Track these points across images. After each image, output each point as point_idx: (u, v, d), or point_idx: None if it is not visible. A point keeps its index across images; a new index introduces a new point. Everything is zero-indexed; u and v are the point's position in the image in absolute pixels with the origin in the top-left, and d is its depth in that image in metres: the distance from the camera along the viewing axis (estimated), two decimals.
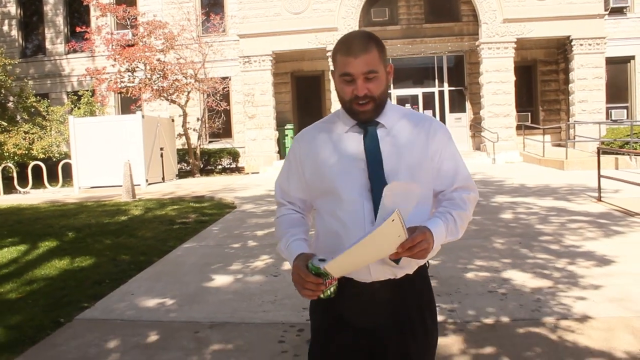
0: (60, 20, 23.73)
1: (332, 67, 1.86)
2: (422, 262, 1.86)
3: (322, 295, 1.72)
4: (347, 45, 1.78)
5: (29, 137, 17.87)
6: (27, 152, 17.51)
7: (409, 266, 1.84)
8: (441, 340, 3.72)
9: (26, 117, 18.95)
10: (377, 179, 1.76)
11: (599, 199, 9.34)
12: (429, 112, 20.86)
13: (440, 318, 4.01)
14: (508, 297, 4.66)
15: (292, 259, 1.81)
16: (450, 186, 1.92)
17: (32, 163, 17.16)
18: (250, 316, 4.52)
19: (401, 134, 1.84)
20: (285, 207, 2.01)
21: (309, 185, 1.91)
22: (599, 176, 9.47)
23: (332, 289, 1.73)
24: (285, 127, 20.54)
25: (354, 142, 1.83)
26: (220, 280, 5.62)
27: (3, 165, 17.18)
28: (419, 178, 1.81)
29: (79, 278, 5.95)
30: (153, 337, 4.17)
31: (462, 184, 1.93)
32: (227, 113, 20.76)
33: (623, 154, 14.30)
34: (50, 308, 4.93)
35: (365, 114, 1.79)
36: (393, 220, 1.55)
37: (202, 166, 19.77)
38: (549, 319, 4.10)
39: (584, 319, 4.09)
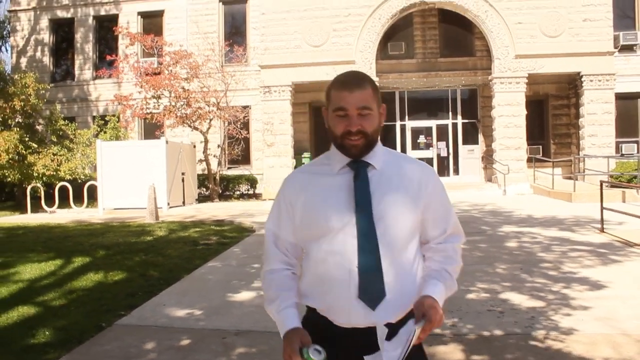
0: (89, 47, 24.81)
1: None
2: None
3: None
4: (342, 81, 1.81)
5: (57, 159, 18.67)
6: (54, 173, 18.31)
7: (406, 306, 1.81)
8: (441, 348, 4.24)
9: (54, 140, 19.78)
10: (365, 224, 1.75)
11: (602, 230, 9.77)
12: (442, 144, 21.44)
13: (440, 331, 4.53)
14: (505, 315, 5.14)
15: (283, 330, 1.80)
16: (443, 233, 1.91)
17: (59, 184, 17.94)
18: (272, 326, 4.97)
19: (392, 177, 1.83)
20: (275, 260, 1.93)
21: (298, 228, 1.86)
22: (602, 208, 9.92)
23: None
24: (303, 156, 21.18)
25: (344, 184, 1.81)
26: (243, 295, 6.16)
27: (32, 185, 17.95)
28: (406, 223, 1.81)
29: (113, 290, 6.51)
30: (185, 341, 4.71)
31: (453, 231, 1.93)
32: (247, 140, 21.48)
33: (630, 188, 14.70)
34: (91, 314, 5.49)
35: (356, 148, 1.78)
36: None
37: (220, 191, 20.41)
38: (538, 333, 4.58)
39: (570, 333, 4.57)
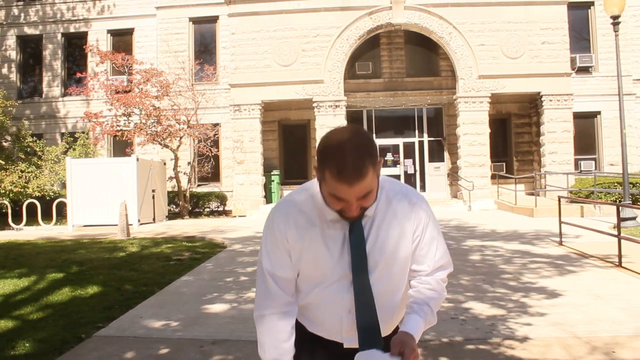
0: (58, 64, 24.73)
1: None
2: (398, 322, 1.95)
3: None
4: (340, 167, 1.63)
5: (25, 176, 18.53)
6: (22, 190, 18.14)
7: (389, 331, 1.93)
8: None
9: (22, 157, 19.64)
10: (361, 281, 1.79)
11: (560, 243, 10.27)
12: (409, 161, 21.94)
13: None
14: (467, 322, 5.48)
15: None
16: (432, 266, 1.93)
17: (27, 201, 17.80)
18: (247, 335, 5.27)
19: (383, 220, 1.84)
20: (272, 304, 1.89)
21: (295, 265, 1.87)
22: (560, 222, 10.43)
23: None
24: (272, 173, 21.42)
25: (339, 236, 1.81)
26: (218, 307, 6.37)
27: None
28: (399, 262, 1.86)
29: (90, 304, 6.65)
30: (164, 350, 4.90)
31: (442, 262, 1.96)
32: (217, 158, 21.65)
33: (587, 203, 15.35)
34: (69, 327, 5.63)
35: (354, 219, 1.77)
36: None
37: (191, 208, 20.49)
38: (497, 339, 4.92)
39: (526, 338, 4.92)
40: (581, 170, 20.64)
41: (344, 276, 1.80)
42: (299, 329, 1.94)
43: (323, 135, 1.73)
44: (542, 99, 19.84)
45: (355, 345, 1.81)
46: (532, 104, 21.53)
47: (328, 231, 1.81)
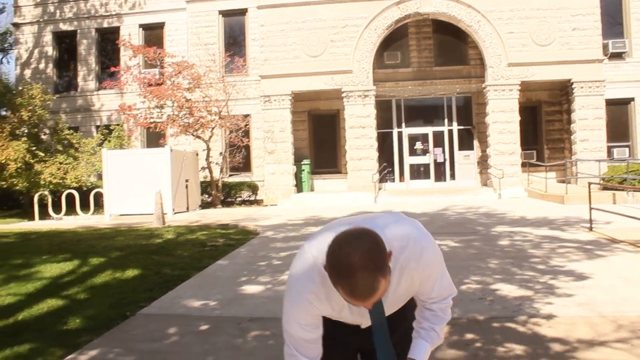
0: (92, 59, 25.36)
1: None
2: None
3: None
4: (352, 290, 1.66)
5: (63, 167, 19.14)
6: (61, 181, 18.77)
7: None
8: None
9: (60, 149, 20.26)
10: (380, 337, 1.98)
11: (590, 228, 10.28)
12: (439, 150, 21.96)
13: None
14: (494, 302, 5.63)
15: None
16: (438, 298, 2.08)
17: (66, 191, 18.42)
18: (282, 313, 5.52)
19: (400, 285, 1.95)
20: (301, 354, 1.99)
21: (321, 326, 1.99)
22: (590, 208, 10.44)
23: None
24: (302, 162, 21.68)
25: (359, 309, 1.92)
26: (254, 288, 6.64)
27: (39, 193, 18.41)
28: (407, 297, 2.07)
29: (131, 285, 6.99)
30: (204, 327, 5.19)
31: (447, 293, 2.11)
32: (247, 148, 21.98)
33: (620, 190, 15.23)
34: (114, 306, 5.96)
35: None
36: None
37: (223, 198, 20.88)
38: (522, 317, 5.08)
39: (552, 316, 5.06)
40: (614, 158, 20.39)
41: (366, 330, 2.03)
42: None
43: (331, 247, 1.69)
44: (573, 86, 19.63)
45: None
46: (562, 91, 21.32)
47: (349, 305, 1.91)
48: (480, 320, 5.04)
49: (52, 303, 6.11)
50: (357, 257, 1.62)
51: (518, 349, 4.26)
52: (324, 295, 1.87)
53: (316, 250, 1.86)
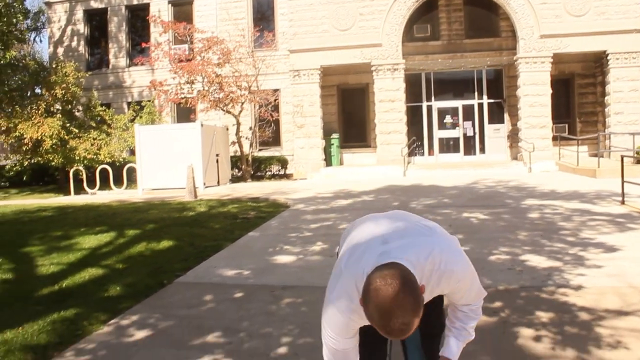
0: (122, 36, 25.66)
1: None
2: None
3: None
4: (387, 330, 1.73)
5: (97, 143, 19.55)
6: (95, 156, 19.20)
7: None
8: None
9: (93, 125, 20.66)
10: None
11: (622, 202, 10.18)
12: (468, 124, 21.78)
13: None
14: (523, 273, 5.69)
15: None
16: (466, 303, 2.20)
17: (100, 167, 18.86)
18: (314, 282, 5.68)
19: (430, 298, 2.05)
20: None
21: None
22: (622, 181, 10.33)
23: None
24: (332, 137, 21.74)
25: None
26: (285, 258, 6.81)
27: (74, 169, 18.89)
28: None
29: (166, 256, 7.22)
30: (238, 294, 5.37)
31: (478, 298, 2.21)
32: (277, 123, 22.11)
33: None
34: (151, 275, 6.19)
35: None
36: None
37: (252, 172, 21.12)
38: (551, 287, 5.13)
39: (580, 287, 5.11)
40: None
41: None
42: None
43: (366, 288, 1.75)
44: (608, 57, 19.20)
45: None
46: (597, 63, 20.87)
47: None
48: (509, 290, 5.11)
49: (92, 272, 6.37)
50: (393, 304, 1.67)
51: (545, 316, 4.34)
52: (357, 316, 1.93)
53: (353, 273, 1.91)
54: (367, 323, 1.87)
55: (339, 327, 1.98)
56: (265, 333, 4.25)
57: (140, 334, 4.32)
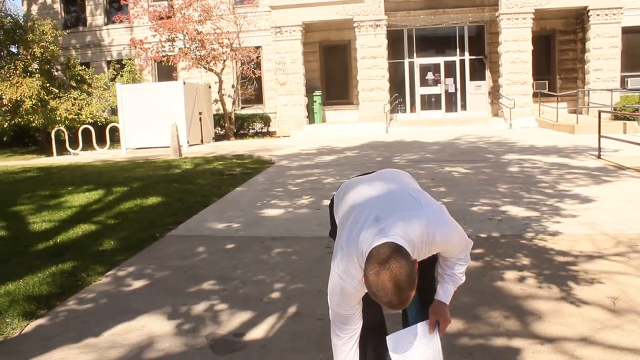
0: None
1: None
2: None
3: None
4: (387, 304, 1.88)
5: (78, 103, 19.35)
6: (76, 116, 19.02)
7: None
8: None
9: (74, 85, 20.40)
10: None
11: (599, 156, 10.50)
12: (450, 80, 21.88)
13: None
14: (503, 222, 5.95)
15: None
16: (457, 256, 2.29)
17: (82, 127, 18.73)
18: (302, 233, 5.89)
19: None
20: (346, 330, 2.23)
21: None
22: (599, 136, 10.63)
23: None
24: (314, 94, 21.73)
25: None
26: (273, 212, 7.00)
27: (55, 129, 18.74)
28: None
29: (157, 211, 7.36)
30: (230, 245, 5.57)
31: (465, 251, 2.30)
32: (259, 80, 22.02)
33: (631, 119, 15.30)
34: (143, 229, 6.34)
35: None
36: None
37: (235, 130, 21.12)
38: (529, 235, 5.40)
39: (557, 234, 5.39)
40: (627, 87, 20.23)
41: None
42: None
43: (367, 269, 1.88)
44: (589, 13, 19.28)
45: None
46: (578, 20, 20.96)
47: None
48: (490, 237, 5.37)
49: (85, 227, 6.51)
50: (392, 284, 1.82)
51: (524, 260, 4.61)
52: (358, 278, 2.07)
53: (354, 252, 2.06)
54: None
55: (345, 297, 2.14)
56: (258, 280, 4.46)
57: (138, 284, 4.51)
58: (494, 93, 21.18)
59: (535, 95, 20.14)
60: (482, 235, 5.43)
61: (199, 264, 5.00)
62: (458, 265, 2.32)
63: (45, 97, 18.64)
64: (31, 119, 18.79)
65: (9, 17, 20.23)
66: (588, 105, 18.89)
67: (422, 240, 2.08)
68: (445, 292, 2.31)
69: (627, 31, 20.18)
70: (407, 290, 1.84)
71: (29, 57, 18.98)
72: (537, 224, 5.82)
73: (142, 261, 5.14)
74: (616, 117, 16.33)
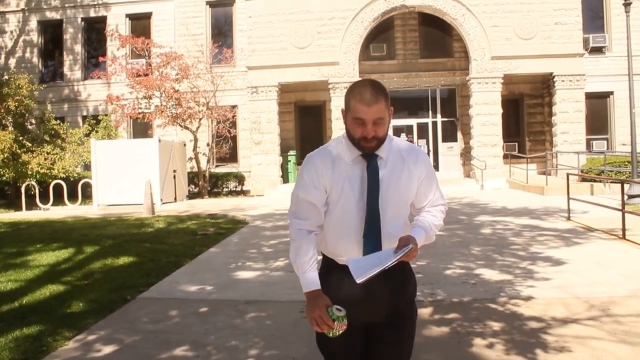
0: (78, 48, 25.28)
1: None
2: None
3: (330, 334, 2.18)
4: (361, 94, 2.17)
5: (51, 158, 19.18)
6: (48, 171, 18.81)
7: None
8: (421, 310, 5.04)
9: (47, 139, 20.27)
10: (372, 198, 2.26)
11: (568, 218, 10.70)
12: (422, 142, 22.34)
13: (420, 298, 5.34)
14: (477, 286, 5.98)
15: (306, 289, 2.24)
16: (428, 204, 2.40)
17: (53, 182, 18.49)
18: (276, 297, 5.83)
19: (395, 164, 2.30)
20: (304, 222, 2.34)
21: (323, 196, 2.31)
22: (568, 198, 10.87)
23: (339, 332, 2.16)
24: (289, 154, 21.93)
25: (359, 169, 2.28)
26: (247, 274, 6.92)
27: (26, 184, 18.48)
28: (403, 197, 2.32)
29: (128, 272, 7.23)
30: (203, 309, 5.47)
31: (437, 202, 2.42)
32: (234, 139, 22.17)
33: (597, 181, 15.71)
34: (115, 290, 6.20)
35: (369, 149, 2.24)
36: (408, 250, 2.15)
37: (210, 188, 21.08)
38: (503, 299, 5.42)
39: (530, 298, 5.42)
40: (593, 150, 20.90)
41: (361, 204, 2.27)
42: (329, 261, 2.40)
43: (351, 88, 2.28)
44: (555, 79, 20.07)
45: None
46: (544, 85, 21.77)
47: (351, 169, 2.30)
48: (463, 302, 5.38)
49: (53, 288, 6.34)
50: (368, 80, 2.25)
51: (496, 326, 4.61)
52: (330, 162, 2.30)
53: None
54: (329, 181, 2.28)
55: (306, 174, 2.34)
56: (231, 346, 4.37)
57: (107, 349, 4.38)
58: (466, 154, 21.63)
59: (505, 156, 20.63)
60: (455, 300, 5.44)
61: (171, 328, 4.89)
62: (433, 217, 2.38)
63: (18, 150, 18.46)
64: (2, 172, 18.52)
65: None
66: (556, 167, 19.39)
67: (408, 146, 2.40)
68: (417, 232, 2.30)
69: (591, 96, 21.07)
70: (379, 90, 2.20)
71: (2, 111, 18.88)
72: (511, 287, 5.86)
73: (113, 325, 5.00)
74: (583, 179, 16.74)
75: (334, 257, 2.37)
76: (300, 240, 2.32)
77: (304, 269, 2.27)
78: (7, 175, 18.60)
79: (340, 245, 2.33)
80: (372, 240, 2.27)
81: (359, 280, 2.09)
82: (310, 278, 2.26)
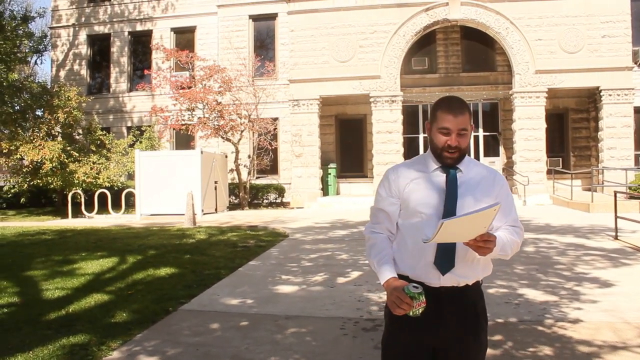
0: (124, 60, 25.99)
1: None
2: (479, 275, 2.42)
3: (410, 314, 2.18)
4: (449, 105, 2.33)
5: (96, 167, 19.69)
6: (94, 180, 19.31)
7: (469, 278, 2.37)
8: None
9: (93, 149, 20.82)
10: (450, 206, 2.30)
11: (616, 237, 10.38)
12: None
13: None
14: (520, 306, 5.85)
15: (383, 279, 2.32)
16: (509, 223, 2.40)
17: (98, 190, 18.96)
18: (316, 312, 5.82)
19: (474, 179, 2.37)
20: (379, 226, 2.48)
21: (402, 205, 2.41)
22: (616, 217, 10.55)
23: (420, 310, 2.18)
24: (329, 166, 21.98)
25: (439, 180, 2.36)
26: (287, 288, 6.93)
27: (72, 192, 18.99)
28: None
29: (170, 283, 7.33)
30: (244, 323, 5.49)
31: (513, 223, 2.42)
32: (275, 151, 22.36)
33: None
34: (157, 301, 6.30)
35: (451, 160, 2.33)
36: (494, 210, 2.08)
37: (250, 200, 21.26)
38: (548, 321, 5.29)
39: (577, 321, 5.26)
40: None
41: (438, 213, 2.31)
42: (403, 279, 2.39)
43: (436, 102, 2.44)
44: (601, 93, 19.61)
45: (436, 284, 2.33)
46: (590, 99, 21.29)
47: (432, 177, 2.39)
48: (508, 322, 5.26)
49: (98, 297, 6.48)
50: (454, 96, 2.42)
51: (547, 349, 4.49)
52: (405, 173, 2.44)
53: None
54: (404, 186, 2.40)
55: (384, 183, 2.48)
56: None
57: None
58: (508, 169, 21.27)
59: (549, 172, 20.21)
60: (500, 321, 5.33)
61: (212, 341, 4.92)
62: (513, 234, 2.39)
63: (66, 160, 19.00)
64: (50, 181, 19.10)
65: (37, 84, 20.95)
66: (602, 183, 18.89)
67: (484, 167, 2.48)
68: (499, 236, 2.30)
69: (639, 111, 20.45)
70: (464, 104, 2.35)
71: (52, 122, 19.51)
72: (557, 309, 5.71)
73: (155, 336, 5.06)
74: (631, 197, 16.25)
75: (408, 274, 2.38)
76: (374, 239, 2.47)
77: (379, 262, 2.38)
78: (55, 183, 19.16)
79: (415, 251, 2.36)
80: (445, 245, 2.31)
81: (441, 222, 2.08)
82: (385, 269, 2.35)
